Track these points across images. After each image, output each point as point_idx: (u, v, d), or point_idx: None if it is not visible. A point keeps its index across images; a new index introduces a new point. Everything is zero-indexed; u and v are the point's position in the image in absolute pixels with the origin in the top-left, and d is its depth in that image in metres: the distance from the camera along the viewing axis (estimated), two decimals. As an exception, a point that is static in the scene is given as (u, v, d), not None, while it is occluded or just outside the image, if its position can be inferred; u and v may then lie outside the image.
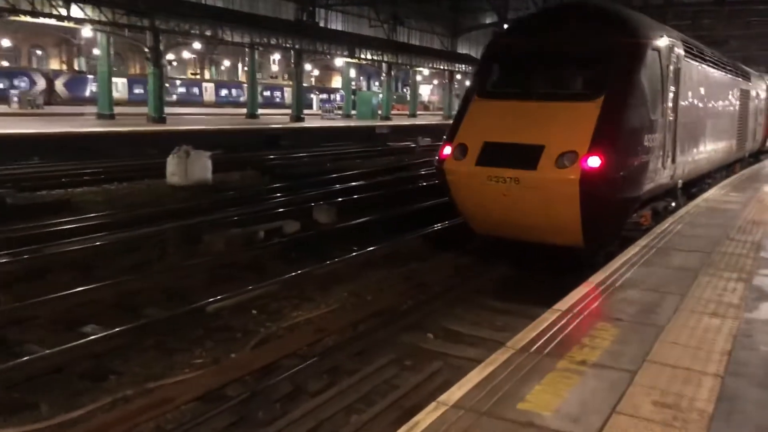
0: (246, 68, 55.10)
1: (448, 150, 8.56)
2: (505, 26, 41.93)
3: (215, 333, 6.96)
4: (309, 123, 33.97)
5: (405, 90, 79.56)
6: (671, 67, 9.31)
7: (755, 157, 20.22)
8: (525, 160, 7.77)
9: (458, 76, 53.12)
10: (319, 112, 38.90)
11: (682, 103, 10.00)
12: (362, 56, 33.47)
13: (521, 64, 9.06)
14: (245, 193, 15.07)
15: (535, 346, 4.00)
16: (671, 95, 9.36)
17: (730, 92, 14.60)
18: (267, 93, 51.55)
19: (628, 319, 4.62)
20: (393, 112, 43.98)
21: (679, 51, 9.79)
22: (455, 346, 6.85)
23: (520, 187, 7.83)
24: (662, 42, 9.05)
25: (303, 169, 20.19)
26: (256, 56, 33.83)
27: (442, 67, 40.12)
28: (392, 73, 38.60)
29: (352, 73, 45.81)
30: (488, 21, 43.22)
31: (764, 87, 20.45)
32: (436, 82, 71.35)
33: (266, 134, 27.96)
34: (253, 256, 9.92)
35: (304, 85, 61.11)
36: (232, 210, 12.93)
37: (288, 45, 29.82)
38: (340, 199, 14.79)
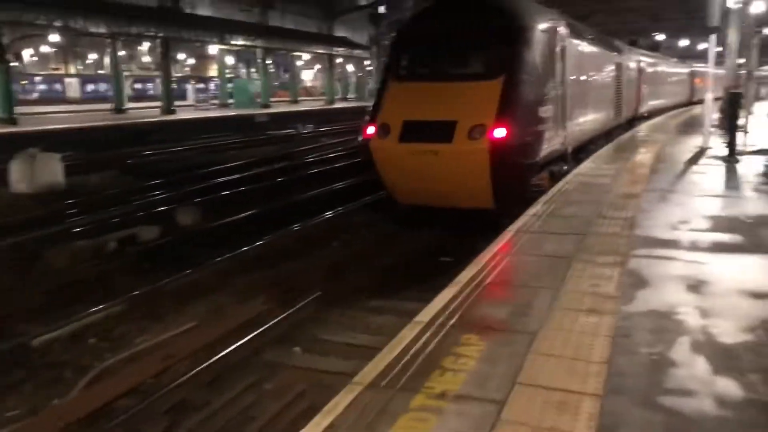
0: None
1: (371, 129, 9.36)
2: (380, 11, 41.59)
3: (40, 373, 5.88)
4: (183, 115, 32.09)
5: (287, 76, 78.02)
6: (558, 47, 10.39)
7: (630, 123, 21.38)
8: (441, 134, 8.62)
9: (339, 60, 52.30)
10: (195, 103, 36.90)
11: (569, 77, 11.07)
12: (233, 42, 31.84)
13: (431, 48, 9.83)
14: (101, 197, 13.61)
15: (387, 379, 3.32)
16: (559, 71, 10.43)
17: (607, 66, 15.74)
18: (139, 85, 48.63)
19: (498, 326, 4.04)
20: (274, 99, 42.59)
21: (564, 32, 10.86)
22: (325, 359, 6.13)
23: (438, 159, 8.69)
24: (550, 25, 10.19)
25: (170, 166, 18.73)
26: (124, 46, 31.48)
27: (319, 51, 39.07)
28: (269, 59, 37.14)
29: (231, 60, 44.08)
30: (363, 3, 42.57)
31: (635, 60, 21.64)
32: (319, 66, 70.10)
33: (133, 130, 26.02)
34: (100, 272, 8.74)
35: (179, 75, 58.33)
36: (82, 218, 11.56)
37: (150, 34, 27.82)
38: (209, 197, 13.70)
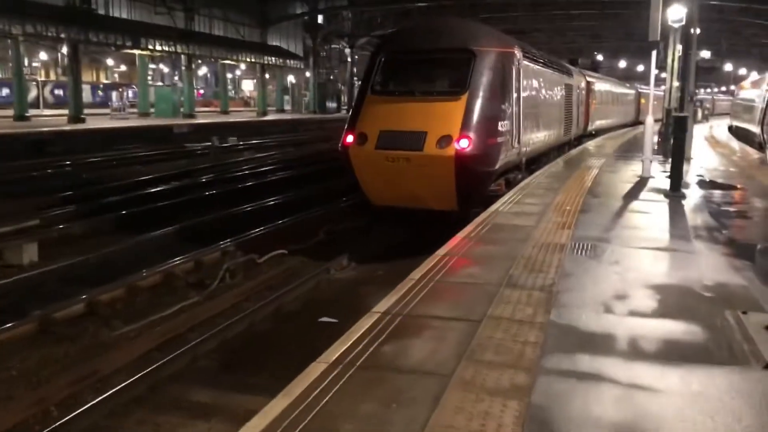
0: (35, 63, 48.26)
1: (350, 138, 10.21)
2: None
3: None
4: (95, 124, 29.20)
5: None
6: (513, 69, 11.27)
7: (579, 140, 22.28)
8: (413, 143, 9.60)
9: (279, 70, 49.90)
10: (111, 111, 33.78)
11: (523, 97, 11.93)
12: (149, 47, 29.13)
13: (404, 67, 10.85)
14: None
15: None
16: (514, 91, 11.30)
17: (557, 87, 16.82)
18: (59, 91, 45.07)
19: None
20: (204, 109, 39.95)
21: (519, 55, 11.75)
22: None
23: (410, 164, 9.67)
24: (507, 49, 11.20)
25: (52, 183, 16.16)
26: (47, 49, 28.54)
27: (248, 60, 36.61)
28: (203, 67, 34.48)
29: (163, 67, 41.31)
30: (299, 11, 40.44)
31: (583, 81, 22.62)
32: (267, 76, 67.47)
33: (30, 140, 23.13)
34: None
35: (107, 81, 54.98)
36: None
37: (50, 34, 24.95)
38: (67, 225, 11.29)
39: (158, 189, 15.73)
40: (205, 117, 36.90)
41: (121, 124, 29.86)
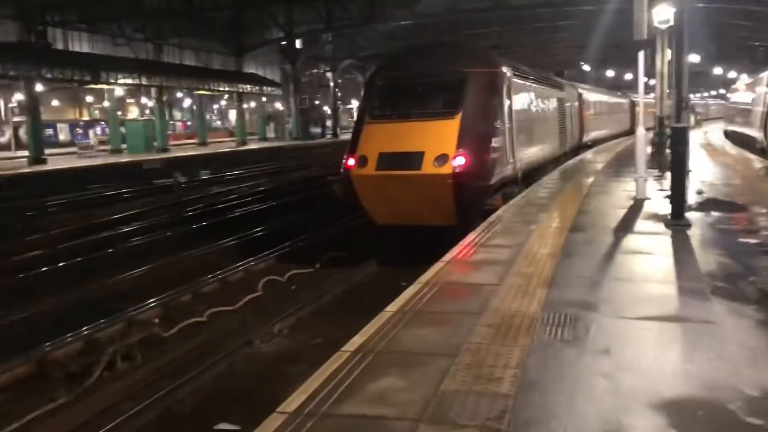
0: (12, 104, 46.51)
1: (352, 161, 10.47)
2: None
3: None
4: (61, 164, 27.35)
5: (210, 117, 73.48)
6: (505, 87, 11.48)
7: (575, 151, 21.90)
8: (412, 163, 9.94)
9: (264, 99, 48.14)
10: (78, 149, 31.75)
11: (515, 113, 12.13)
12: (112, 81, 27.28)
13: (400, 92, 11.11)
14: None
15: None
16: (507, 108, 11.48)
17: (549, 101, 16.84)
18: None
19: None
20: (181, 141, 38.21)
21: (509, 74, 11.97)
22: None
23: (409, 183, 9.98)
24: (498, 69, 11.44)
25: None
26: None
27: (223, 89, 34.82)
28: (164, 98, 32.75)
29: (145, 100, 39.47)
30: (275, 37, 38.76)
31: (575, 94, 22.29)
32: (245, 105, 65.77)
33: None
34: None
35: (86, 118, 53.28)
36: None
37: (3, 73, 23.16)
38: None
39: (94, 237, 13.78)
40: (181, 150, 35.07)
41: (86, 163, 27.96)
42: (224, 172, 28.16)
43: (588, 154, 22.21)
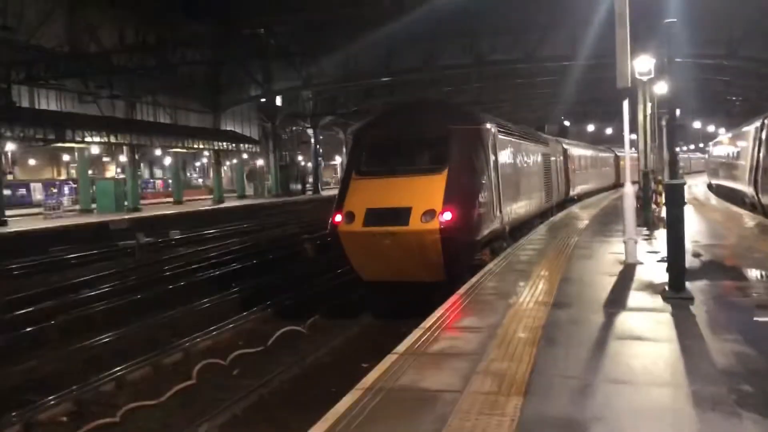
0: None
1: (339, 217, 10.45)
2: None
3: None
4: (25, 225, 25.88)
5: (190, 174, 72.61)
6: (490, 143, 11.71)
7: (562, 206, 21.71)
8: (399, 218, 9.83)
9: (244, 156, 47.13)
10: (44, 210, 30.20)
11: (501, 168, 12.18)
12: (78, 139, 26.10)
13: (386, 149, 11.19)
14: None
15: None
16: (492, 164, 11.63)
17: (535, 156, 16.81)
18: (7, 191, 41.82)
19: None
20: (161, 200, 36.92)
21: (494, 130, 12.14)
22: None
23: (397, 239, 9.86)
24: (482, 126, 11.67)
25: None
26: None
27: (199, 146, 33.76)
28: (136, 156, 31.59)
29: (121, 159, 38.22)
30: (253, 93, 38.04)
31: (560, 149, 22.33)
32: (228, 163, 64.80)
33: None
34: None
35: (63, 177, 51.95)
36: None
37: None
38: None
39: (33, 309, 12.32)
40: (154, 209, 33.69)
41: (51, 225, 26.50)
42: (195, 232, 26.83)
43: (574, 208, 21.78)
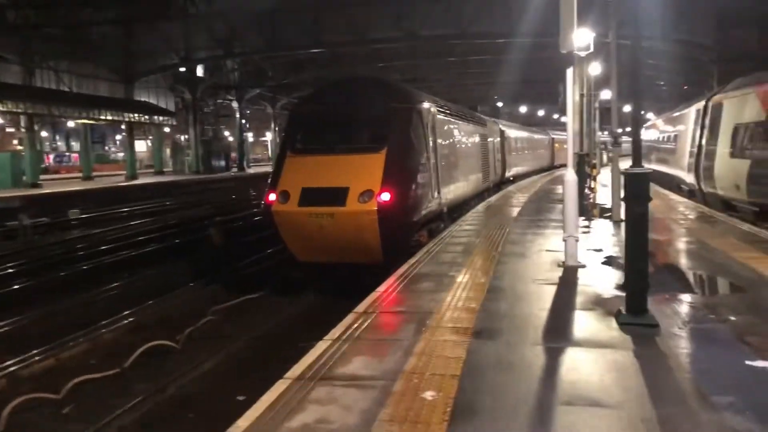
0: None
1: (273, 196, 10.01)
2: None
3: None
4: None
5: (109, 148, 68.17)
6: (429, 123, 11.50)
7: (498, 186, 21.42)
8: (336, 198, 9.48)
9: (166, 129, 43.79)
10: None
11: (440, 149, 12.17)
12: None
13: (323, 125, 10.79)
14: None
15: None
16: (431, 144, 11.45)
17: (473, 137, 16.62)
18: None
19: None
20: (73, 174, 33.57)
21: (434, 110, 12.09)
22: None
23: (334, 220, 9.49)
24: (422, 105, 11.44)
25: None
26: None
27: (107, 117, 30.58)
28: (35, 126, 28.19)
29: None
30: (170, 62, 34.88)
31: (498, 130, 22.00)
32: (152, 137, 60.78)
33: None
34: None
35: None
36: None
37: None
38: None
39: None
40: (60, 185, 30.38)
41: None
42: (99, 211, 24.03)
43: (510, 188, 21.79)
